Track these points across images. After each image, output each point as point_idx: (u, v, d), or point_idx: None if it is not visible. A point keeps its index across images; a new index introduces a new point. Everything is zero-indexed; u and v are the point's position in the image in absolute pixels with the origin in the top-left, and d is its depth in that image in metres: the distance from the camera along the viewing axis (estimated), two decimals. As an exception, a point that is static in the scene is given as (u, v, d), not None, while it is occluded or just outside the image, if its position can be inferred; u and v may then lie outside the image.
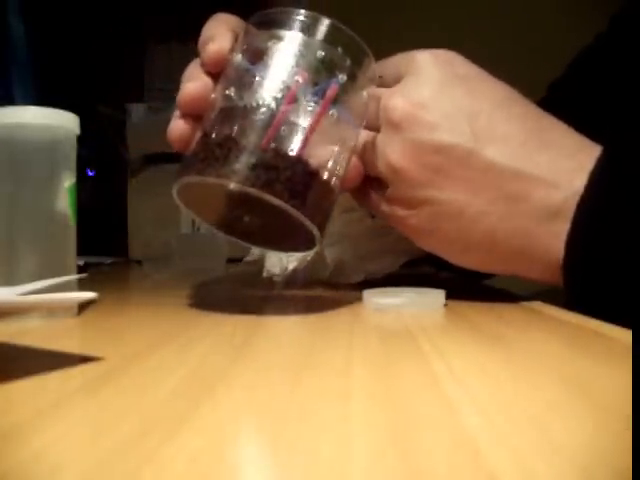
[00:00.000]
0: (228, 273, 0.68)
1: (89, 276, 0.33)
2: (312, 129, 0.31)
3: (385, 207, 0.36)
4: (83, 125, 0.33)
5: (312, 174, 0.31)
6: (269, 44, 0.33)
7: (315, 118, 0.31)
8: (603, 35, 0.54)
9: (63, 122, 0.32)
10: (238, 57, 0.34)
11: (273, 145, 0.30)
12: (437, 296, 0.35)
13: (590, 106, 0.50)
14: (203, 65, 0.34)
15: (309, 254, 0.33)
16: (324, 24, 0.33)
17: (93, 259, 0.70)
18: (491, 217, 0.33)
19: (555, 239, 0.32)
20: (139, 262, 0.73)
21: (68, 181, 0.32)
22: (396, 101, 0.34)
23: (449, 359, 0.21)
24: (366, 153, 0.35)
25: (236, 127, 0.31)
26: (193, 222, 0.85)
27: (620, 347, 0.23)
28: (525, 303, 0.35)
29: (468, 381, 0.18)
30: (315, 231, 0.31)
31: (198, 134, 0.32)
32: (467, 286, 0.51)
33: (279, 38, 0.33)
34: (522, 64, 1.08)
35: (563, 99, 0.55)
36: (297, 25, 0.33)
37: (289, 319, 0.32)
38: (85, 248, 0.41)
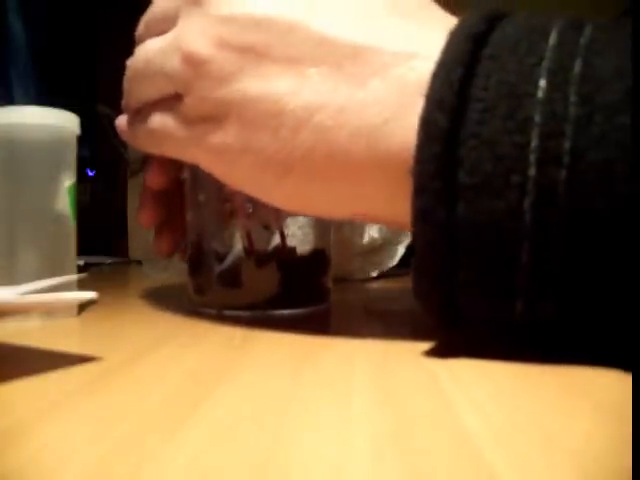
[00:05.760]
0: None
1: (89, 276, 0.33)
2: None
3: (178, 131, 0.26)
4: (83, 125, 0.33)
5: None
6: None
7: None
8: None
9: (63, 122, 0.32)
10: None
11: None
12: None
13: None
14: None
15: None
16: None
17: (93, 259, 0.70)
18: (325, 111, 0.22)
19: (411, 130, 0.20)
20: (139, 262, 0.72)
21: (68, 181, 0.32)
22: None
23: (448, 359, 0.21)
24: (148, 70, 0.28)
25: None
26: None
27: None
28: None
29: (467, 381, 0.18)
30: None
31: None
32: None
33: None
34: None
35: None
36: None
37: (289, 319, 0.32)
38: (85, 248, 0.41)
